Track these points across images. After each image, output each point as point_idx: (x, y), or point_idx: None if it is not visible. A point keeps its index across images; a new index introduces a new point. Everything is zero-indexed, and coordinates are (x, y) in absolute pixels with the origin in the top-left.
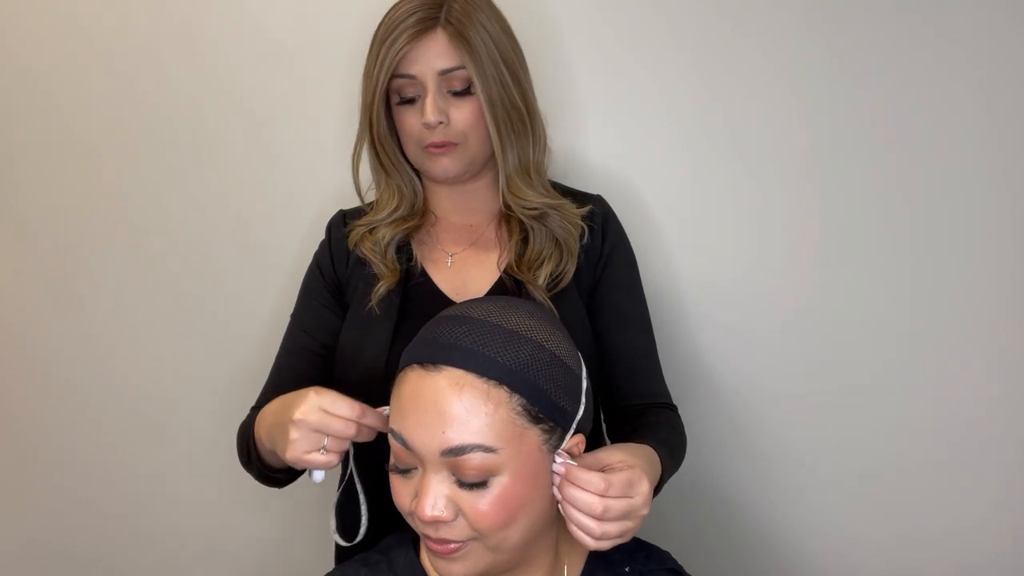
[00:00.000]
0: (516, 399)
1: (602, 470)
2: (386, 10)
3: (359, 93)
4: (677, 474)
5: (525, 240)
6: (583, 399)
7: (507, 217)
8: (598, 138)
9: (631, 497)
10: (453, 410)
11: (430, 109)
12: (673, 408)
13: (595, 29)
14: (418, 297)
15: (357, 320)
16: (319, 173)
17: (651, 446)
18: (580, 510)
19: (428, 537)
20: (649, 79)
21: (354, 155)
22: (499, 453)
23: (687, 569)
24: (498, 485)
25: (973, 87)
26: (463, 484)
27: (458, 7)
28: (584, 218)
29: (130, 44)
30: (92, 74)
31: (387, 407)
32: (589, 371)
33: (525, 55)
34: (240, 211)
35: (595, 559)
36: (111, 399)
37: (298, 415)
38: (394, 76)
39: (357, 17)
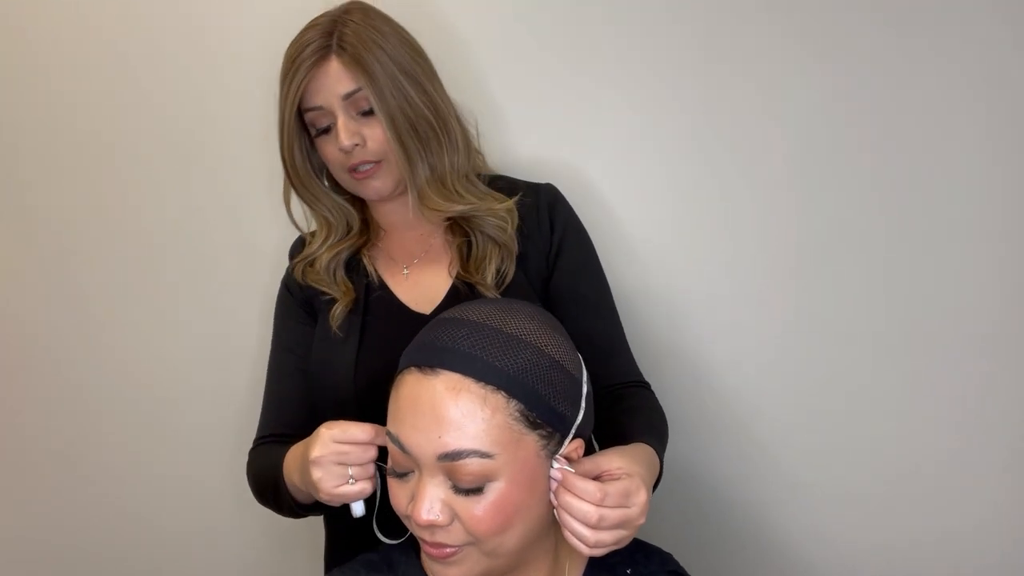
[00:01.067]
0: (513, 404)
1: (599, 476)
2: None
3: None
4: (677, 475)
5: (469, 243)
6: (583, 404)
7: (452, 223)
8: (586, 135)
9: (627, 507)
10: (450, 414)
11: (343, 134)
12: (646, 385)
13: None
14: (379, 310)
15: (322, 340)
16: None
17: (645, 442)
18: (576, 518)
19: (424, 541)
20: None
21: (284, 191)
22: (495, 459)
23: (689, 571)
24: (494, 491)
25: (964, 88)
26: (459, 489)
27: (350, 31)
28: (518, 205)
29: (137, 44)
30: (96, 74)
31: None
32: None
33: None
34: (241, 212)
35: (596, 562)
36: (112, 398)
37: (314, 455)
38: (304, 110)
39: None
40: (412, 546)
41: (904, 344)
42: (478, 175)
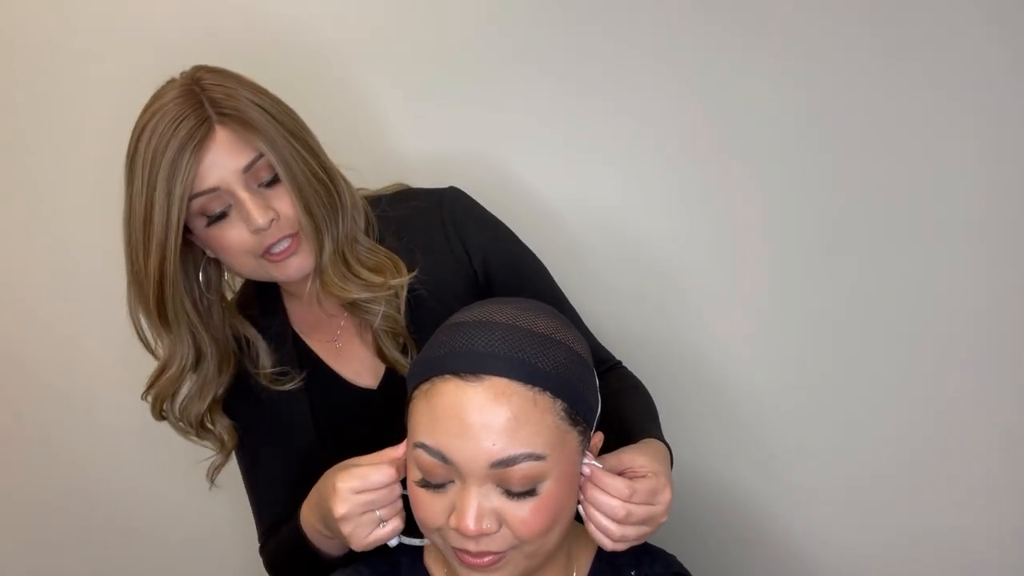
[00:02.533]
0: (559, 404)
1: (623, 473)
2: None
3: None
4: (679, 476)
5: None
6: (599, 396)
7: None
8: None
9: (654, 505)
10: (500, 420)
11: (256, 212)
12: (618, 363)
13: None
14: (322, 390)
15: (274, 440)
16: None
17: (655, 436)
18: (603, 513)
19: (466, 552)
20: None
21: (133, 314)
22: (547, 460)
23: (693, 572)
24: (544, 491)
25: (964, 88)
26: (511, 493)
27: (220, 94)
28: (418, 232)
29: (134, 43)
30: (95, 75)
31: (403, 444)
32: None
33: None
34: None
35: (601, 561)
36: (112, 398)
37: (340, 513)
38: (190, 198)
39: (364, 16)
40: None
41: (905, 344)
42: (378, 199)
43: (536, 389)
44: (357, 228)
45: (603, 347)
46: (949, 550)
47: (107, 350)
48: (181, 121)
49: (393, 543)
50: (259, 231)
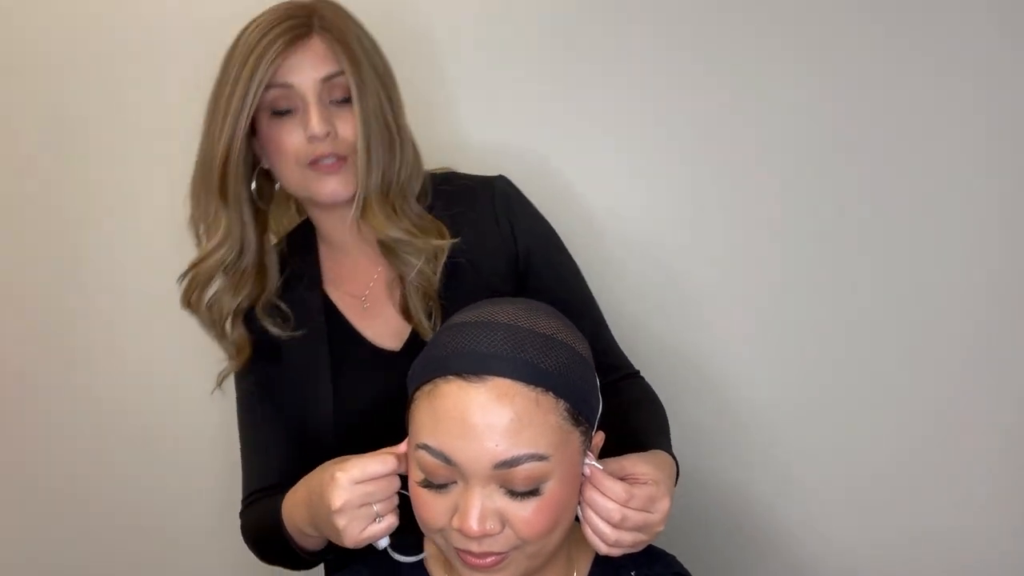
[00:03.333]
0: (562, 404)
1: (624, 479)
2: None
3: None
4: (680, 477)
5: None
6: (600, 396)
7: (385, 257)
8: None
9: (650, 512)
10: (503, 421)
11: (315, 120)
12: (637, 373)
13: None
14: (345, 348)
15: (291, 386)
16: None
17: (664, 449)
18: (599, 515)
19: (469, 552)
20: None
21: (194, 196)
22: (550, 460)
23: (693, 573)
24: (547, 491)
25: (965, 87)
26: (514, 494)
27: (329, 15)
28: (468, 209)
29: (132, 44)
30: (96, 75)
31: (404, 442)
32: None
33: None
34: None
35: (601, 563)
36: (111, 400)
37: (337, 504)
38: (267, 87)
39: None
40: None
41: (905, 344)
42: (429, 175)
43: (539, 390)
44: (411, 189)
45: (624, 356)
46: (949, 550)
47: (108, 351)
48: (285, 20)
49: (382, 544)
50: (313, 139)
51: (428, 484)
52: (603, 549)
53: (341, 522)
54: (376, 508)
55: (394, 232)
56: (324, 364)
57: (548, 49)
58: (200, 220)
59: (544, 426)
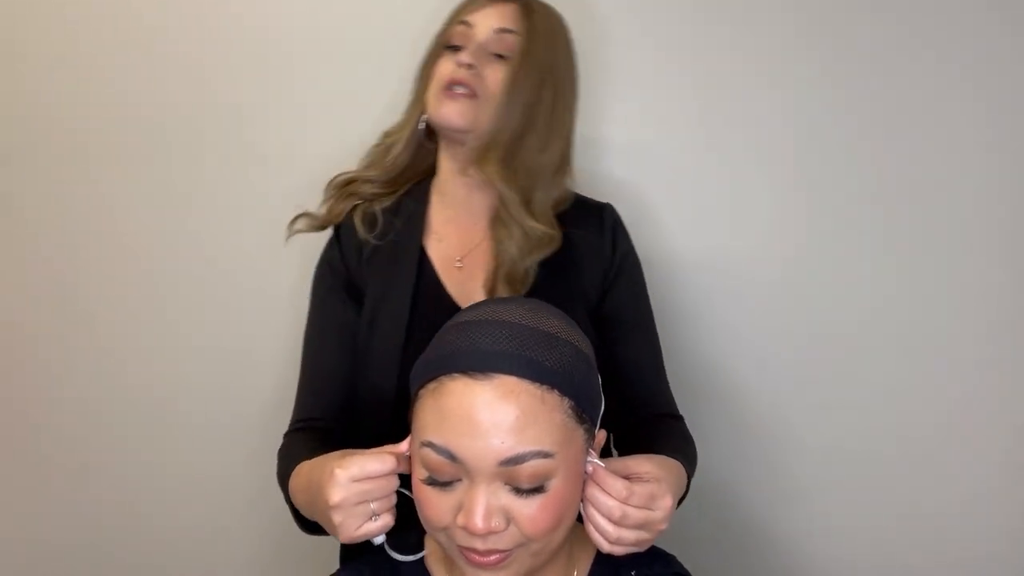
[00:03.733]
0: (567, 402)
1: (627, 477)
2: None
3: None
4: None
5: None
6: (602, 395)
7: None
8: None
9: (651, 510)
10: (509, 419)
11: (468, 53)
12: (680, 418)
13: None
14: (427, 303)
15: (366, 331)
16: (314, 173)
17: (679, 460)
18: (600, 512)
19: (473, 550)
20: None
21: (413, 107)
22: (555, 457)
23: (694, 573)
24: (551, 489)
25: (972, 88)
26: (519, 491)
27: (536, 5)
28: (582, 219)
29: (135, 47)
30: (95, 76)
31: (405, 441)
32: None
33: None
34: (237, 213)
35: (601, 562)
36: (111, 400)
37: (334, 500)
38: (457, 23)
39: (352, 16)
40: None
41: (906, 346)
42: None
43: (544, 387)
44: (551, 183)
45: (672, 397)
46: (949, 550)
47: (111, 353)
48: None
49: (378, 541)
50: (459, 65)
51: (432, 482)
52: (605, 547)
53: (337, 518)
54: (373, 506)
55: (503, 187)
56: (403, 313)
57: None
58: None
59: (549, 424)
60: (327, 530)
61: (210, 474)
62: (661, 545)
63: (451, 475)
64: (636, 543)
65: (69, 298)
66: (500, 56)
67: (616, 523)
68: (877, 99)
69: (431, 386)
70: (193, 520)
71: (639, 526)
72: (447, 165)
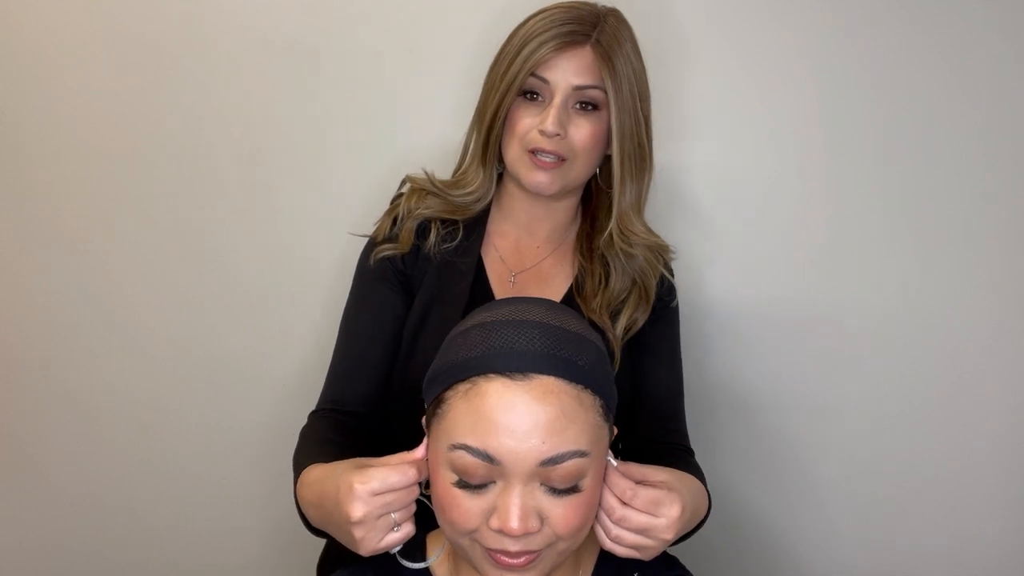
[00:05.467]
0: (598, 401)
1: (642, 482)
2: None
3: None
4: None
5: (605, 275)
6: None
7: (582, 248)
8: None
9: (655, 516)
10: (550, 419)
11: (552, 118)
12: (692, 452)
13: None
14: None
15: (415, 325)
16: (315, 173)
17: (701, 482)
18: (603, 509)
19: (504, 552)
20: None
21: (468, 138)
22: (590, 456)
23: (695, 574)
24: (584, 488)
25: (981, 95)
26: (554, 491)
27: (609, 30)
28: (665, 267)
29: (152, 45)
30: (109, 73)
31: (421, 447)
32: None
33: None
34: (242, 217)
35: (604, 562)
36: (111, 401)
37: (356, 516)
38: (530, 74)
39: (359, 16)
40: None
41: (907, 347)
42: None
43: (579, 387)
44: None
45: (685, 427)
46: (949, 551)
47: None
48: (571, 23)
49: (395, 550)
50: (542, 133)
51: (463, 485)
52: (607, 544)
53: (359, 533)
54: (394, 516)
55: (649, 238)
56: (457, 318)
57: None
58: (466, 158)
59: (585, 423)
60: (344, 543)
61: (214, 478)
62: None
63: (484, 477)
64: (636, 547)
65: (72, 299)
66: (584, 106)
67: (615, 522)
68: (891, 102)
69: (462, 388)
70: (188, 523)
71: (640, 530)
72: (516, 192)
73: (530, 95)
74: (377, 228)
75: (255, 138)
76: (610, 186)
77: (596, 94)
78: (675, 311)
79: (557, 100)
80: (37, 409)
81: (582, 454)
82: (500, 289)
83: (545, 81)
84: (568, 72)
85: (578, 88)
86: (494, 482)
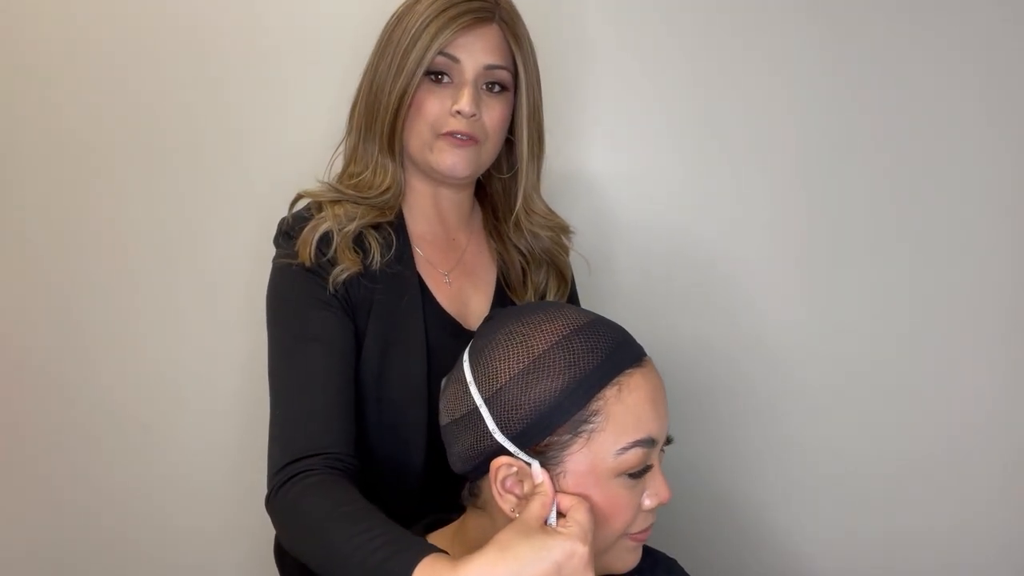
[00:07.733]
0: None
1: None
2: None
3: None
4: (680, 478)
5: (521, 259)
6: None
7: (492, 236)
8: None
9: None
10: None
11: (468, 98)
12: None
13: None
14: (433, 321)
15: (376, 357)
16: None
17: None
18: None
19: (644, 532)
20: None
21: (369, 131)
22: None
23: (693, 574)
24: None
25: (976, 86)
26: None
27: (506, 7)
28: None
29: (132, 46)
30: (91, 75)
31: (542, 477)
32: None
33: None
34: (232, 210)
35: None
36: (110, 401)
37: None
38: (440, 52)
39: (356, 17)
40: None
41: (908, 347)
42: None
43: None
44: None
45: None
46: (949, 550)
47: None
48: (472, 1)
49: None
50: (456, 115)
51: (632, 475)
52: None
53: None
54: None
55: (553, 219)
56: (418, 333)
57: None
58: (360, 159)
59: None
60: None
61: (214, 478)
62: (663, 548)
63: (645, 463)
64: None
65: (65, 300)
66: (491, 87)
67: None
68: (881, 98)
69: (610, 392)
70: (187, 525)
71: None
72: (419, 185)
73: (435, 76)
74: (299, 251)
75: (254, 139)
76: (503, 172)
77: (504, 75)
78: (573, 282)
79: (470, 79)
80: (37, 409)
81: None
82: (439, 291)
83: (456, 60)
84: (477, 51)
85: (488, 67)
86: (649, 467)
